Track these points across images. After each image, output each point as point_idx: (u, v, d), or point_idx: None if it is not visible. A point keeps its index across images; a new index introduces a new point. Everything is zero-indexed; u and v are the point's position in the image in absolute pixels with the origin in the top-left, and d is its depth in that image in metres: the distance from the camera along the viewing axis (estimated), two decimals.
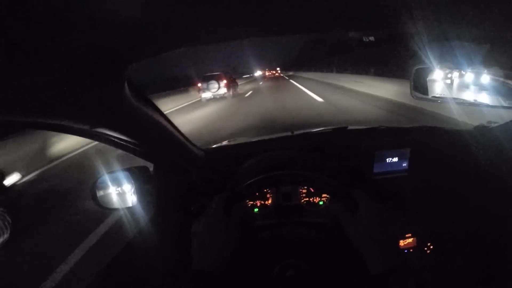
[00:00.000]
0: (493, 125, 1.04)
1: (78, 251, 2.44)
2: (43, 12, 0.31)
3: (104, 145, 0.68)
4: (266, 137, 1.28)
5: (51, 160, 5.02)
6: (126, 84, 0.53)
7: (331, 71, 20.66)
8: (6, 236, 2.62)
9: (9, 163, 3.30)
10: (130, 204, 0.96)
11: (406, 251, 1.01)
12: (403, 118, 5.87)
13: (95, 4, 0.35)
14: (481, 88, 0.89)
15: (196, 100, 14.46)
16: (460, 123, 3.90)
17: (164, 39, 0.51)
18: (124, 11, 0.38)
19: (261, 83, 25.99)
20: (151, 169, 1.00)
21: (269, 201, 1.01)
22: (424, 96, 1.03)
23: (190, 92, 16.08)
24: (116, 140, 0.66)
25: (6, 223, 2.65)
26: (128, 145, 0.71)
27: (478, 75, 0.87)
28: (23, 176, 3.32)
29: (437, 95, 1.01)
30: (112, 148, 0.72)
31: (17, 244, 2.70)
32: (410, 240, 1.01)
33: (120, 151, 0.75)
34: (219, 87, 13.29)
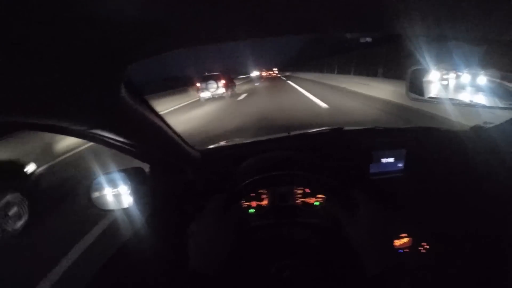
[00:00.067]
0: (489, 125, 1.05)
1: (88, 237, 2.66)
2: (41, 12, 0.31)
3: None
4: (263, 138, 1.28)
5: (63, 153, 5.18)
6: (123, 85, 0.53)
7: (332, 72, 18.74)
8: (24, 220, 3.00)
9: (23, 155, 3.40)
10: (126, 205, 0.95)
11: (401, 251, 1.01)
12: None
13: (93, 4, 0.34)
14: (477, 89, 0.89)
15: (193, 100, 14.36)
16: (456, 123, 3.90)
17: (162, 39, 0.51)
18: (122, 11, 0.37)
19: (257, 84, 25.13)
20: (147, 170, 1.00)
21: (265, 202, 1.01)
22: (420, 97, 1.04)
23: (189, 92, 16.05)
24: (111, 141, 0.66)
25: (25, 209, 3.03)
26: (124, 146, 0.71)
27: (474, 76, 0.88)
28: (38, 167, 3.49)
29: (433, 96, 1.01)
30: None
31: (34, 228, 3.02)
32: (406, 240, 1.01)
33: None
34: (217, 87, 13.53)
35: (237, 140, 1.41)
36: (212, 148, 1.27)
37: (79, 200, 3.38)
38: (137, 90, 0.60)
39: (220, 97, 13.74)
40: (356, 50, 14.50)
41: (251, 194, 1.00)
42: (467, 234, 0.99)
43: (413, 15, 0.51)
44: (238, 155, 1.07)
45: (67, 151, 5.16)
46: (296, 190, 1.01)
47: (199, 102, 13.15)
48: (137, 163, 0.92)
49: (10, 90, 0.35)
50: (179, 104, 13.36)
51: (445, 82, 0.95)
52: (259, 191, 1.01)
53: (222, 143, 1.38)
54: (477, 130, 1.07)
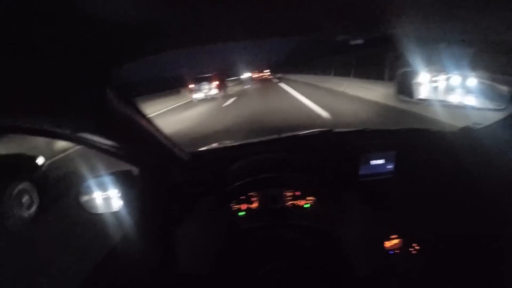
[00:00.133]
0: (478, 126, 1.06)
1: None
2: (21, 11, 0.30)
3: None
4: (253, 140, 1.27)
5: (67, 148, 5.51)
6: (109, 88, 0.52)
7: (328, 74, 16.29)
8: (34, 208, 3.27)
9: (29, 148, 3.75)
10: (115, 209, 0.94)
11: (392, 252, 1.01)
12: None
13: (75, 4, 0.33)
14: (467, 90, 0.90)
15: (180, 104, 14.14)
16: (446, 125, 3.93)
17: (147, 42, 0.50)
18: (105, 13, 0.36)
19: (246, 87, 23.83)
20: (136, 173, 0.99)
21: (255, 204, 1.01)
22: (409, 99, 1.04)
23: (181, 94, 15.96)
24: (99, 144, 0.64)
25: (35, 196, 3.32)
26: (111, 149, 0.69)
27: (464, 77, 0.88)
28: (46, 160, 3.73)
29: (422, 98, 1.02)
30: None
31: (45, 215, 3.28)
32: (396, 241, 1.01)
33: None
34: (210, 88, 13.88)
35: (228, 143, 1.40)
36: (202, 150, 1.26)
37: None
38: (124, 92, 0.59)
39: (212, 98, 13.88)
40: (356, 52, 12.45)
41: (241, 197, 1.00)
42: (457, 234, 1.00)
43: (403, 17, 0.51)
44: (228, 157, 1.06)
45: (72, 146, 5.36)
46: (286, 193, 1.01)
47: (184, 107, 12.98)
48: (127, 166, 0.91)
49: None
50: (172, 106, 13.30)
51: (435, 84, 0.96)
52: (250, 193, 1.00)
53: (213, 145, 1.38)
54: (467, 131, 1.08)
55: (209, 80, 13.91)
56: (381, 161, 1.05)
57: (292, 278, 0.86)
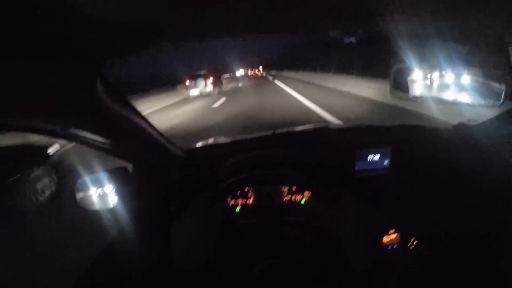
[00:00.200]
0: (472, 123, 1.07)
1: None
2: (5, 9, 0.29)
3: None
4: (248, 136, 1.27)
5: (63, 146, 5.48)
6: (99, 83, 0.51)
7: (328, 71, 15.08)
8: (52, 190, 3.52)
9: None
10: (111, 206, 0.94)
11: (389, 247, 1.02)
12: None
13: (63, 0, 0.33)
14: (461, 87, 0.90)
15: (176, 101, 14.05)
16: (440, 121, 3.96)
17: (135, 37, 0.50)
18: (92, 8, 0.36)
19: (240, 84, 23.33)
20: (132, 170, 0.98)
21: (251, 200, 1.01)
22: (404, 95, 1.05)
23: (177, 91, 15.96)
24: (91, 141, 0.64)
25: (53, 181, 3.58)
26: (104, 146, 0.69)
27: (458, 75, 0.89)
28: (61, 147, 3.92)
29: (417, 95, 1.02)
30: None
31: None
32: (393, 236, 1.02)
33: None
34: (206, 85, 14.14)
35: (222, 139, 1.40)
36: (197, 147, 1.26)
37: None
38: (115, 88, 0.58)
39: (208, 95, 14.06)
40: (357, 49, 11.85)
41: (237, 193, 1.00)
42: (453, 229, 1.01)
43: (398, 15, 0.51)
44: (223, 153, 1.06)
45: (66, 144, 5.23)
46: (282, 189, 1.01)
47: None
48: (122, 163, 0.91)
49: None
50: (167, 103, 13.26)
51: (428, 81, 0.97)
52: (245, 189, 1.00)
53: (208, 141, 1.37)
54: (461, 128, 1.09)
55: (205, 77, 14.14)
56: (377, 157, 1.06)
57: (289, 274, 0.86)
